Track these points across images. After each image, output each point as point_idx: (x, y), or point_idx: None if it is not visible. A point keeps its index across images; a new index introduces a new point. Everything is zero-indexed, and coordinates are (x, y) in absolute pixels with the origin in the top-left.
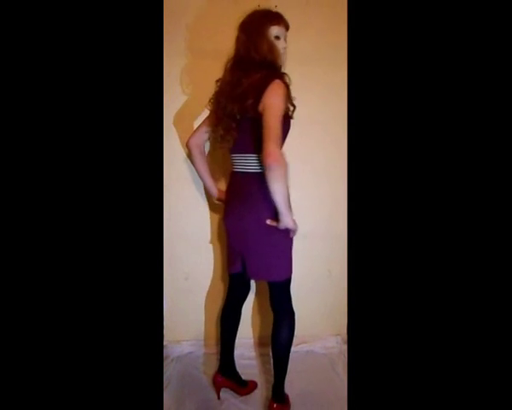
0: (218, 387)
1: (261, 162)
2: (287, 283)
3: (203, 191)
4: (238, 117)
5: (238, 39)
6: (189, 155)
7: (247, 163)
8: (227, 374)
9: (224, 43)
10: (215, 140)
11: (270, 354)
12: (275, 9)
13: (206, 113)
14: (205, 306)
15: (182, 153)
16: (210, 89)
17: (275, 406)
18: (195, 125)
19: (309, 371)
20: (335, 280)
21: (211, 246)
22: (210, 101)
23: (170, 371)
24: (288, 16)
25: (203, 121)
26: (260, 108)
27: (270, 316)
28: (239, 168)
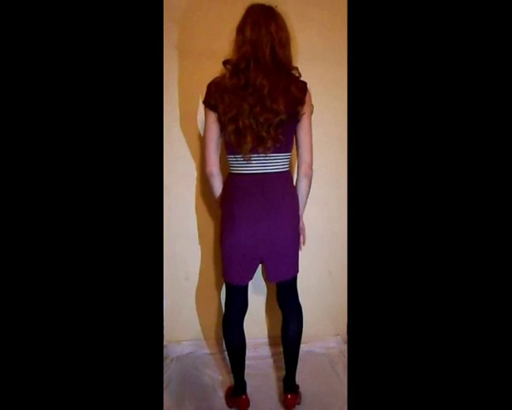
0: (245, 408)
1: (301, 168)
2: (295, 278)
3: (203, 191)
4: (276, 123)
5: (259, 38)
6: (212, 180)
7: (274, 163)
8: (245, 393)
9: (225, 43)
10: (239, 149)
11: (280, 350)
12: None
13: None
14: (205, 306)
15: (182, 153)
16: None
17: (289, 396)
18: (196, 125)
19: (309, 371)
20: (335, 280)
21: (211, 246)
22: (210, 104)
23: (170, 371)
24: (287, 16)
25: (210, 137)
26: (303, 112)
27: (279, 316)
28: (259, 169)
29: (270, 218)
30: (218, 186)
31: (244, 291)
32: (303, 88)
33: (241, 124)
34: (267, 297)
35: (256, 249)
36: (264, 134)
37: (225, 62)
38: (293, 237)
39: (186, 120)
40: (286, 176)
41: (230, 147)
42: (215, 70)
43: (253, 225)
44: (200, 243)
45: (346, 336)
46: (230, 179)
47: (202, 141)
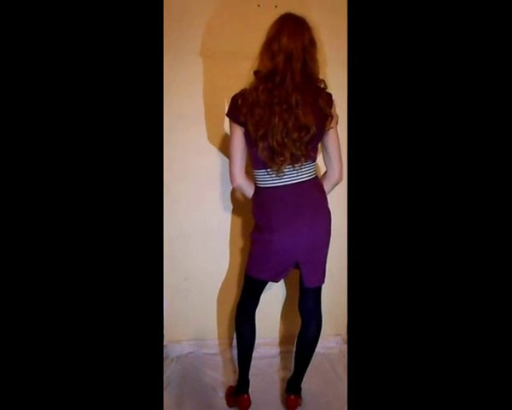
0: (246, 408)
1: (332, 178)
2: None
3: (203, 191)
4: (307, 140)
5: (295, 49)
6: (242, 190)
7: (304, 172)
8: (247, 392)
9: (225, 43)
10: (271, 165)
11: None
12: (275, 9)
13: (207, 115)
14: (205, 306)
15: (182, 153)
16: (210, 88)
17: (292, 397)
18: (196, 125)
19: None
20: (335, 280)
21: (211, 246)
22: (238, 121)
23: (170, 371)
24: None
25: (237, 151)
26: (331, 126)
27: (294, 316)
28: (290, 180)
29: (308, 225)
30: (249, 191)
31: (264, 287)
32: (329, 100)
33: (274, 142)
34: (267, 298)
35: (294, 255)
36: (298, 152)
37: (256, 73)
38: (328, 242)
39: (186, 119)
40: (316, 182)
41: (260, 162)
42: (215, 70)
43: (292, 233)
44: (200, 243)
45: (346, 336)
46: (261, 193)
47: (229, 154)
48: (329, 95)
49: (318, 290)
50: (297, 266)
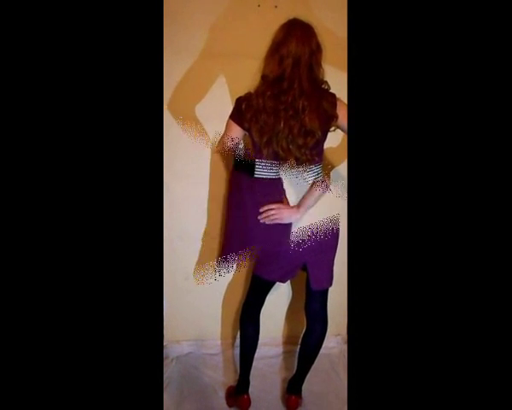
0: (246, 408)
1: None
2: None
3: (203, 191)
4: (312, 145)
5: (302, 54)
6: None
7: (310, 176)
8: (247, 392)
9: (225, 43)
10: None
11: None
12: (275, 10)
13: (207, 114)
14: (205, 306)
15: (181, 151)
16: (210, 88)
17: (293, 398)
18: (195, 124)
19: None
20: (335, 280)
21: (211, 245)
22: (243, 127)
23: (170, 371)
24: (287, 16)
25: (228, 147)
26: (338, 123)
27: (298, 317)
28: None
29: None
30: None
31: (270, 288)
32: (333, 102)
33: (279, 148)
34: (270, 298)
35: (301, 256)
36: (303, 158)
37: (264, 77)
38: (335, 245)
39: (185, 118)
40: (323, 184)
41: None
42: (215, 70)
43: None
44: (200, 243)
45: (346, 336)
46: None
47: (221, 144)
48: (333, 95)
49: (325, 293)
50: (304, 268)
